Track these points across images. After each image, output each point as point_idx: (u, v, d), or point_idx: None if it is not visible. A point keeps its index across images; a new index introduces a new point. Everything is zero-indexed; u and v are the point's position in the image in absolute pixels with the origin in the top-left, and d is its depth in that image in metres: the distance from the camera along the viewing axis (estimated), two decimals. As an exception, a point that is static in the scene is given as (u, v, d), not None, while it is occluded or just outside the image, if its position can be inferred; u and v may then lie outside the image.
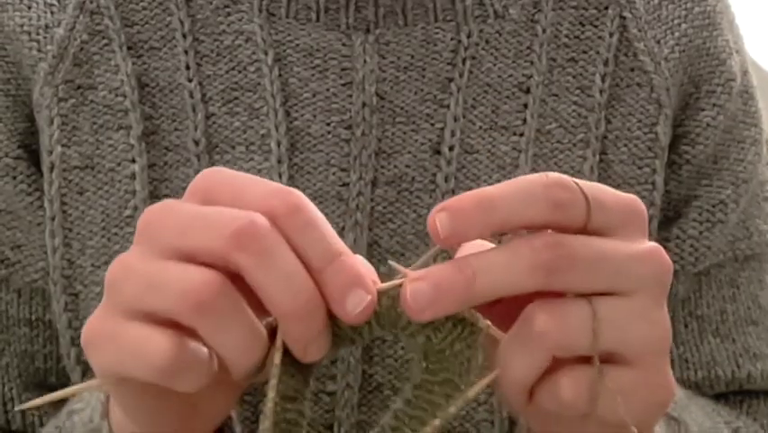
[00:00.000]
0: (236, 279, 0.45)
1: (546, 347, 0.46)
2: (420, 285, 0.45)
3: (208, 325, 0.44)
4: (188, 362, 0.45)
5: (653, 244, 0.48)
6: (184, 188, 0.67)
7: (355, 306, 0.45)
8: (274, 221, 0.45)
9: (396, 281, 0.46)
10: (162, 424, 0.49)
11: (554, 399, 0.46)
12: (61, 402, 0.68)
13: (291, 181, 0.67)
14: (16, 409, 0.69)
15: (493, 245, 0.47)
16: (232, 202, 0.46)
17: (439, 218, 0.45)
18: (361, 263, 0.47)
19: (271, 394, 0.46)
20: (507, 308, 0.48)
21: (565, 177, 0.46)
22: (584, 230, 0.47)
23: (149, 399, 0.48)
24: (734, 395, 0.73)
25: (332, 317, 0.46)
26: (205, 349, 0.45)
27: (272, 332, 0.46)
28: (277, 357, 0.46)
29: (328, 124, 0.68)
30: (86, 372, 0.68)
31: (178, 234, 0.46)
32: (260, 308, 0.46)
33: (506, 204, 0.45)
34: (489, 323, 0.47)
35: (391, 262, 0.48)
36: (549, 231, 0.46)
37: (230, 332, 0.45)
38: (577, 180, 0.47)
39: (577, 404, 0.46)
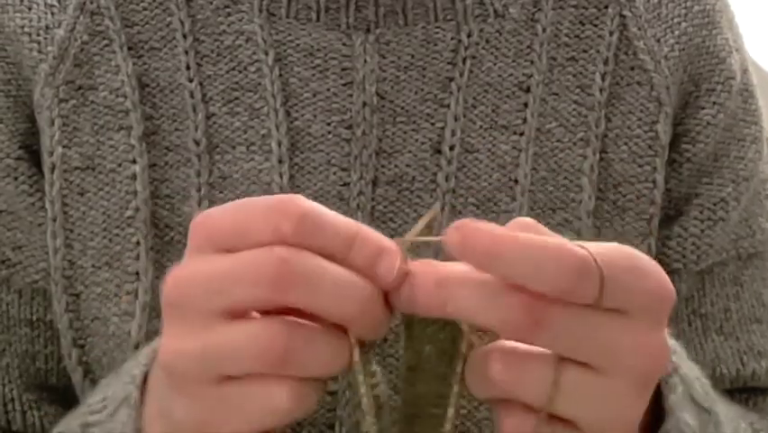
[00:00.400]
0: None
1: (496, 391, 0.46)
2: (405, 283, 0.46)
3: (295, 368, 0.45)
4: (308, 400, 0.46)
5: (661, 341, 0.47)
6: (185, 189, 0.68)
7: (388, 271, 0.46)
8: (289, 240, 0.45)
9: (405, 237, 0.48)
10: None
11: (498, 425, 0.47)
12: (65, 405, 0.68)
13: (292, 181, 0.67)
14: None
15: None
16: (239, 242, 0.46)
17: (451, 237, 0.45)
18: (376, 233, 0.47)
19: (362, 390, 0.47)
20: None
21: (589, 263, 0.44)
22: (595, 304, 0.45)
23: None
24: (738, 393, 0.73)
25: None
26: (315, 383, 0.47)
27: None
28: (355, 354, 0.47)
29: (329, 124, 0.68)
30: (87, 373, 0.68)
31: (214, 296, 0.46)
32: None
33: (510, 261, 0.44)
34: (474, 334, 0.48)
35: (395, 240, 0.48)
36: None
37: (315, 359, 0.46)
38: (602, 257, 0.44)
39: None
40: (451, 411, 0.47)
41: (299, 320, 0.46)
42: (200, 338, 0.46)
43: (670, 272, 0.71)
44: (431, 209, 0.50)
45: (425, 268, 0.46)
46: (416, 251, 0.48)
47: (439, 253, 0.52)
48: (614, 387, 0.46)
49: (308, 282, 0.45)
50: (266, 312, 0.46)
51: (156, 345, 0.53)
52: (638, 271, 0.46)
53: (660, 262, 0.71)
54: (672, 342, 0.56)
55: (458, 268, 0.46)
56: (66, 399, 0.70)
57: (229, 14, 0.69)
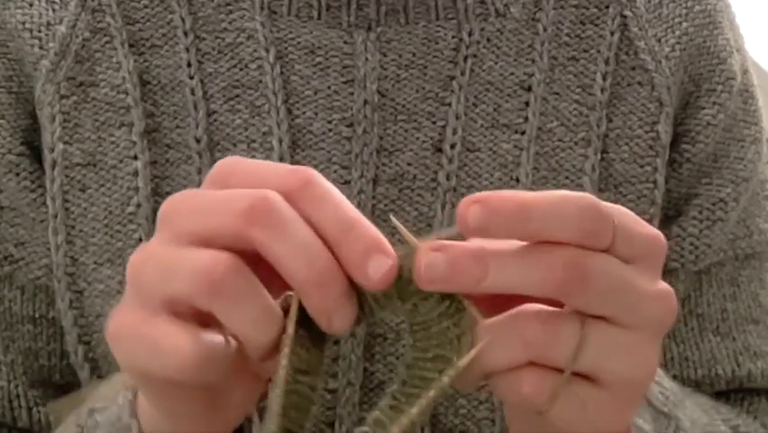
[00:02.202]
0: (253, 261, 0.45)
1: (528, 355, 0.46)
2: (437, 258, 0.45)
3: (221, 304, 0.45)
4: (208, 354, 0.45)
5: (667, 286, 0.48)
6: (185, 186, 0.68)
7: (377, 270, 0.45)
8: (288, 196, 0.45)
9: (409, 250, 0.46)
10: (190, 416, 0.49)
11: (513, 390, 0.46)
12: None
13: None
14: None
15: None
16: (246, 184, 0.46)
17: (472, 211, 0.45)
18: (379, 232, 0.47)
19: (283, 362, 0.45)
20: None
21: (600, 204, 0.46)
22: (608, 250, 0.46)
23: (172, 391, 0.48)
24: (734, 393, 0.74)
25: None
26: (220, 338, 0.46)
27: (288, 310, 0.46)
28: (290, 327, 0.46)
29: (330, 122, 0.68)
30: (95, 369, 0.69)
31: (195, 217, 0.46)
32: (276, 288, 0.46)
33: (539, 217, 0.45)
34: (471, 304, 0.47)
35: (392, 217, 0.48)
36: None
37: (243, 309, 0.45)
38: (610, 207, 0.46)
39: (535, 402, 0.46)
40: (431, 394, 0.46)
41: (248, 269, 0.45)
42: (167, 250, 0.46)
43: (668, 272, 0.72)
44: (451, 229, 0.49)
45: (453, 246, 0.46)
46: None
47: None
48: (636, 340, 0.47)
49: (276, 226, 0.44)
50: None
51: None
52: (635, 218, 0.48)
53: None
54: None
55: (483, 242, 0.46)
56: (75, 395, 0.70)
57: (230, 12, 0.69)
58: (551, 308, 0.46)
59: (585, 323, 0.46)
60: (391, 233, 0.50)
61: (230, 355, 0.46)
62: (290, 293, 0.47)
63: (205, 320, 0.46)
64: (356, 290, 0.46)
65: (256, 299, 0.45)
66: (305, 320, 0.46)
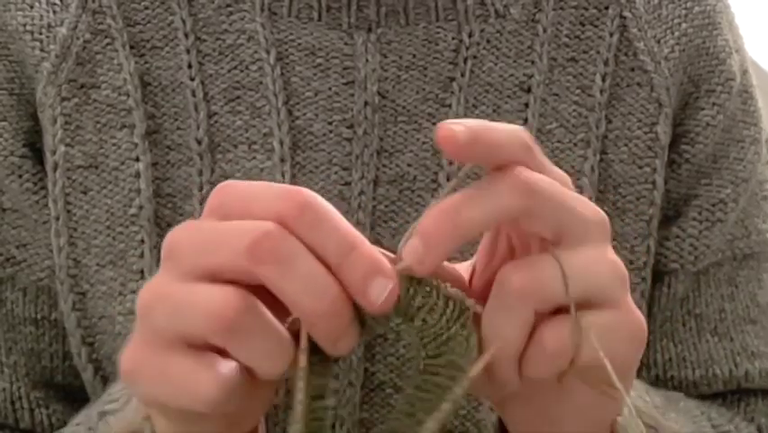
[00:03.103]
0: (260, 287, 0.46)
1: (527, 302, 0.47)
2: (411, 241, 0.46)
3: (236, 343, 0.45)
4: (230, 387, 0.46)
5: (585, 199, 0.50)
6: (186, 187, 0.68)
7: (379, 295, 0.46)
8: (286, 224, 0.45)
9: (402, 264, 0.47)
10: (204, 428, 0.50)
11: (541, 356, 0.47)
12: (73, 403, 0.69)
13: (293, 180, 0.67)
14: None
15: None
16: (243, 213, 0.46)
17: (409, 246, 0.46)
18: (377, 251, 0.47)
19: (299, 396, 0.46)
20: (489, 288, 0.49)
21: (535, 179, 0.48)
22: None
23: (193, 419, 0.48)
24: (731, 394, 0.74)
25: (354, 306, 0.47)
26: (237, 367, 0.46)
27: (296, 332, 0.47)
28: (302, 360, 0.46)
29: (330, 123, 0.68)
30: (98, 370, 0.69)
31: (199, 253, 0.46)
32: (281, 308, 0.46)
33: (471, 208, 0.46)
34: (473, 302, 0.48)
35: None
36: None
37: (258, 346, 0.46)
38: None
39: (562, 352, 0.47)
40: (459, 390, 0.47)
41: (260, 303, 0.46)
42: (176, 289, 0.46)
43: (667, 273, 0.72)
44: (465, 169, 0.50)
45: (419, 222, 0.47)
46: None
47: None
48: (595, 249, 0.48)
49: (282, 261, 0.45)
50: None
51: None
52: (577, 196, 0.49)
53: (657, 262, 0.72)
54: None
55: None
56: (73, 396, 0.70)
57: (231, 13, 0.69)
58: (524, 257, 0.48)
59: (556, 254, 0.47)
60: (392, 234, 0.50)
61: (246, 382, 0.47)
62: (296, 317, 0.47)
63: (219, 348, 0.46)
64: (356, 308, 0.47)
65: (269, 334, 0.46)
66: (313, 345, 0.47)
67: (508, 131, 0.48)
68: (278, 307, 0.46)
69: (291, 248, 0.45)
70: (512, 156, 0.47)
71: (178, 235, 0.47)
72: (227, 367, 0.46)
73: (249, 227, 0.45)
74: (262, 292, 0.46)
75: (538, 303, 0.47)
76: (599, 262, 0.48)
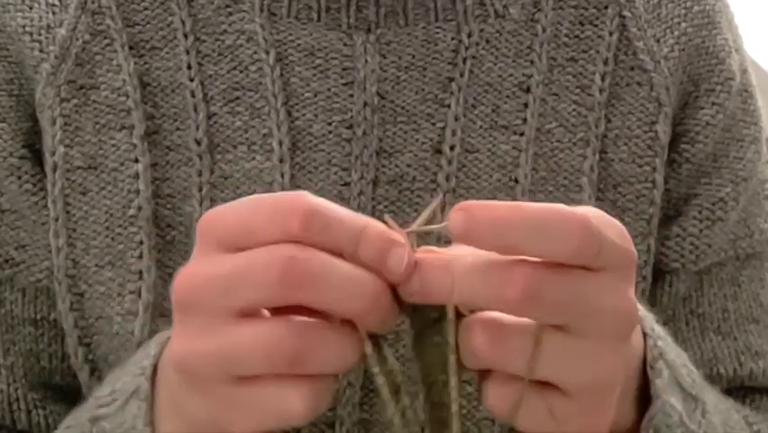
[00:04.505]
0: None
1: (479, 362, 0.47)
2: (413, 275, 0.47)
3: (306, 367, 0.46)
4: (318, 406, 0.47)
5: (632, 298, 0.48)
6: (186, 188, 0.68)
7: (398, 263, 0.47)
8: (293, 237, 0.46)
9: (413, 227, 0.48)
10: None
11: (483, 399, 0.48)
12: (70, 404, 0.68)
13: (293, 181, 0.67)
14: None
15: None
16: (246, 240, 0.46)
17: (455, 217, 0.46)
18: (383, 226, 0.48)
19: (380, 381, 0.48)
20: None
21: (592, 224, 0.46)
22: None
23: None
24: (736, 391, 0.74)
25: None
26: (321, 381, 0.47)
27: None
28: (368, 348, 0.48)
29: (329, 124, 0.68)
30: (94, 371, 0.69)
31: (223, 296, 0.46)
32: None
33: (517, 233, 0.46)
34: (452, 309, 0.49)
35: (387, 218, 0.49)
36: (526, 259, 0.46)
37: (326, 357, 0.46)
38: (599, 225, 0.46)
39: (497, 413, 0.48)
40: (453, 380, 0.48)
41: (308, 319, 0.46)
42: (211, 339, 0.46)
43: (668, 272, 0.72)
44: (435, 200, 0.50)
45: (431, 256, 0.47)
46: (423, 238, 0.49)
47: (441, 239, 0.52)
48: (593, 347, 0.47)
49: (316, 280, 0.45)
50: (277, 310, 0.47)
51: (164, 337, 0.54)
52: (621, 230, 0.48)
53: (659, 261, 0.72)
54: (659, 328, 0.57)
55: (461, 252, 0.47)
56: (70, 397, 0.70)
57: (230, 14, 0.69)
58: (503, 318, 0.47)
59: (539, 333, 0.46)
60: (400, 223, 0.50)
61: (333, 388, 0.48)
62: None
63: None
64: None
65: (332, 341, 0.47)
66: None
67: (540, 220, 0.46)
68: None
69: (318, 262, 0.46)
70: (542, 252, 0.46)
71: (190, 284, 0.47)
72: (311, 384, 0.46)
73: (268, 256, 0.45)
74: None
75: (492, 368, 0.47)
76: (584, 360, 0.47)
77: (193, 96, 0.69)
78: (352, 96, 0.68)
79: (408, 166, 0.68)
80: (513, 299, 0.45)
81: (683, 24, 0.72)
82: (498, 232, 0.45)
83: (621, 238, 0.48)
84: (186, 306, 0.47)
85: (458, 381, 0.48)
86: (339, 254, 0.46)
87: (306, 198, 0.46)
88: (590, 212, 0.47)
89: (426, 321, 0.49)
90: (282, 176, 0.67)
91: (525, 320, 0.47)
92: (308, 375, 0.46)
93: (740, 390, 0.74)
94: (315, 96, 0.68)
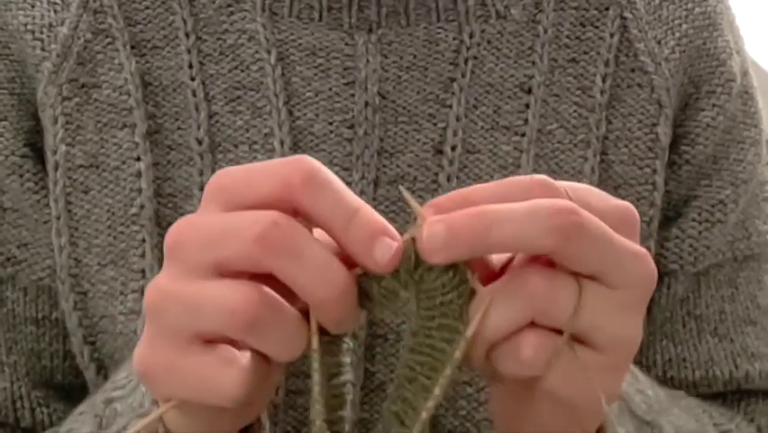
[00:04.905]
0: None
1: (531, 309, 0.46)
2: (437, 227, 0.46)
3: (256, 336, 0.46)
4: (251, 382, 0.46)
5: (644, 249, 0.49)
6: (187, 187, 0.68)
7: (384, 253, 0.46)
8: (292, 192, 0.46)
9: (411, 231, 0.47)
10: (219, 423, 0.50)
11: (513, 357, 0.47)
12: (74, 402, 0.69)
13: None
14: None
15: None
16: (248, 192, 0.46)
17: (432, 231, 0.46)
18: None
19: (316, 377, 0.47)
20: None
21: (550, 180, 0.47)
22: None
23: (210, 412, 0.49)
24: (731, 394, 0.74)
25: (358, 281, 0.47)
26: (254, 359, 0.47)
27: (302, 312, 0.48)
28: (314, 342, 0.47)
29: (331, 124, 0.68)
30: (100, 369, 0.69)
31: (204, 248, 0.46)
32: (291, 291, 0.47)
33: (504, 228, 0.45)
34: (474, 276, 0.48)
35: (402, 189, 0.49)
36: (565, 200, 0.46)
37: (277, 336, 0.46)
38: (562, 183, 0.47)
39: (533, 365, 0.47)
40: (445, 377, 0.47)
41: (275, 294, 0.46)
42: (185, 286, 0.46)
43: (666, 274, 0.72)
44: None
45: (452, 215, 0.46)
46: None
47: None
48: (624, 301, 0.47)
49: (292, 251, 0.45)
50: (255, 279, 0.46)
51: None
52: (596, 190, 0.49)
53: (657, 263, 0.72)
54: None
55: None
56: (73, 396, 0.70)
57: (231, 13, 0.69)
58: (551, 269, 0.47)
59: (582, 283, 0.47)
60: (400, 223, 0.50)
61: (262, 370, 0.47)
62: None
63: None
64: (362, 282, 0.47)
65: (287, 324, 0.46)
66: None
67: (526, 219, 0.46)
68: (285, 290, 0.46)
69: (300, 237, 0.45)
70: (529, 248, 0.46)
71: (181, 231, 0.47)
72: (246, 360, 0.46)
73: (255, 218, 0.46)
74: (269, 278, 0.46)
75: (538, 317, 0.47)
76: (618, 314, 0.47)
77: (194, 95, 0.69)
78: (353, 95, 0.68)
79: (409, 166, 0.68)
80: (563, 228, 0.45)
81: (684, 26, 0.72)
82: (482, 233, 0.45)
83: (605, 199, 0.48)
84: (173, 250, 0.47)
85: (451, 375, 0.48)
86: (329, 229, 0.46)
87: (314, 161, 0.46)
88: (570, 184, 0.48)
89: (434, 302, 0.48)
90: None
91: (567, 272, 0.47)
92: (251, 355, 0.46)
93: (736, 393, 0.74)
94: (317, 95, 0.68)
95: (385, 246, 0.46)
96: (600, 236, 0.46)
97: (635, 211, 0.49)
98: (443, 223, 0.46)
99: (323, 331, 0.48)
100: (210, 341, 0.46)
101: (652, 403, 0.60)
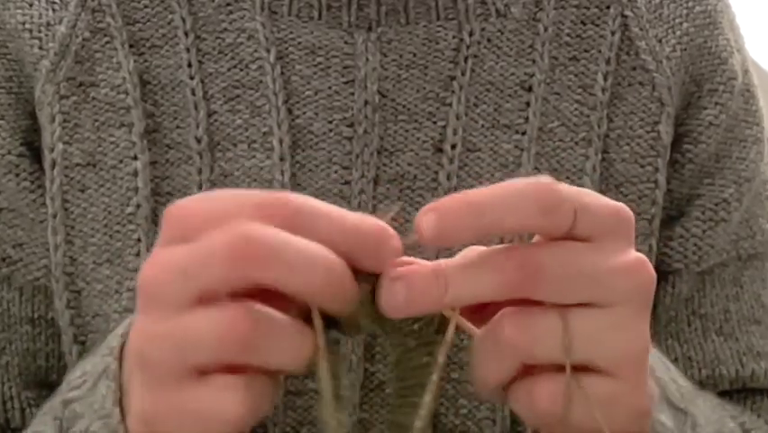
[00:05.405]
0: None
1: (514, 356, 0.46)
2: (395, 286, 0.46)
3: (255, 353, 0.45)
4: (256, 405, 0.45)
5: (638, 255, 0.48)
6: (186, 186, 0.68)
7: (393, 253, 0.46)
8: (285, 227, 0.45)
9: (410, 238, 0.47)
10: None
11: (529, 405, 0.47)
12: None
13: (293, 179, 0.67)
14: None
15: (473, 251, 0.47)
16: (212, 225, 0.45)
17: (425, 220, 0.46)
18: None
19: (325, 375, 0.46)
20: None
21: (557, 186, 0.46)
22: (568, 235, 0.47)
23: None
24: (737, 393, 0.74)
25: None
26: (259, 379, 0.46)
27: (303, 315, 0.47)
28: (321, 341, 0.46)
29: (330, 122, 0.68)
30: None
31: (181, 281, 0.45)
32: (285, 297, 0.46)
33: (491, 211, 0.46)
34: (458, 315, 0.48)
35: (380, 213, 0.49)
36: (519, 243, 0.46)
37: (276, 348, 0.45)
38: (567, 189, 0.47)
39: (551, 411, 0.46)
40: (428, 397, 0.47)
41: (265, 307, 0.45)
42: (168, 325, 0.45)
43: (671, 273, 0.72)
44: (389, 213, 0.49)
45: (410, 271, 0.46)
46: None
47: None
48: (619, 316, 0.47)
49: (268, 254, 0.44)
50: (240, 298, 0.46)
51: (133, 319, 0.53)
52: (596, 195, 0.48)
53: (661, 262, 0.72)
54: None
55: (439, 261, 0.47)
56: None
57: (230, 12, 0.69)
58: (526, 307, 0.46)
59: (564, 313, 0.46)
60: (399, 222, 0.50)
61: (268, 384, 0.46)
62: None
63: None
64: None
65: (284, 331, 0.45)
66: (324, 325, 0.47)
67: (506, 195, 0.46)
68: (278, 298, 0.46)
69: (270, 236, 0.44)
70: (517, 224, 0.46)
71: (151, 273, 0.46)
72: (244, 380, 0.45)
73: (222, 236, 0.44)
74: (261, 294, 0.45)
75: (528, 360, 0.46)
76: (616, 332, 0.47)
77: (193, 94, 0.69)
78: (352, 94, 0.68)
79: (409, 165, 0.68)
80: (516, 280, 0.45)
81: (685, 24, 0.72)
82: (471, 217, 0.45)
83: (600, 201, 0.48)
84: (148, 294, 0.46)
85: (433, 402, 0.47)
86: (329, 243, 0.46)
87: (288, 196, 0.46)
88: (553, 181, 0.47)
89: (408, 339, 0.48)
90: (282, 174, 0.67)
91: (548, 306, 0.46)
92: (249, 375, 0.45)
93: (741, 391, 0.74)
94: (316, 94, 0.68)
95: (391, 246, 0.46)
96: (567, 271, 0.46)
97: (629, 211, 0.49)
98: (401, 282, 0.46)
99: (326, 323, 0.47)
100: (208, 372, 0.45)
101: (684, 392, 0.60)
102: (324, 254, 0.45)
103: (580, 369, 0.47)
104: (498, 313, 0.47)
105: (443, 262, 0.47)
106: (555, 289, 0.46)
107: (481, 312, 0.49)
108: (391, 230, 0.46)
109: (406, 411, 0.48)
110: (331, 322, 0.47)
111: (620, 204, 0.48)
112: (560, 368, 0.46)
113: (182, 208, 0.47)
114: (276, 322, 0.45)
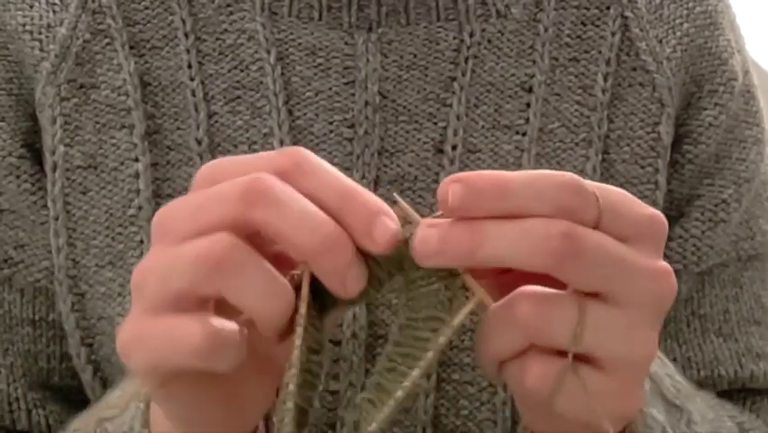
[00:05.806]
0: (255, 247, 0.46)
1: (524, 335, 0.46)
2: (430, 233, 0.46)
3: (227, 282, 0.45)
4: (220, 337, 0.45)
5: (665, 264, 0.48)
6: (186, 188, 0.68)
7: (383, 233, 0.46)
8: (282, 177, 0.45)
9: (411, 226, 0.47)
10: (208, 420, 0.49)
11: (518, 380, 0.47)
12: (70, 404, 0.68)
13: None
14: None
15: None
16: (243, 171, 0.46)
17: (452, 189, 0.45)
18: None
19: (297, 342, 0.46)
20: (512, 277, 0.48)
21: (582, 182, 0.46)
22: (596, 228, 0.46)
23: (192, 391, 0.48)
24: (736, 393, 0.74)
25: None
26: (230, 323, 0.45)
27: (297, 288, 0.46)
28: (302, 306, 0.46)
29: (331, 123, 0.68)
30: (97, 371, 0.69)
31: (190, 218, 0.46)
32: (282, 270, 0.46)
33: (517, 193, 0.45)
34: (466, 273, 0.47)
35: (396, 196, 0.48)
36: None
37: (250, 283, 0.45)
38: (594, 186, 0.46)
39: (538, 392, 0.46)
40: (416, 372, 0.46)
41: (246, 244, 0.45)
42: (162, 255, 0.46)
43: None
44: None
45: (446, 223, 0.46)
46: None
47: None
48: (634, 319, 0.46)
49: (276, 202, 0.44)
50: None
51: None
52: (629, 198, 0.48)
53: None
54: None
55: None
56: (71, 397, 0.70)
57: (231, 13, 0.69)
58: (548, 289, 0.46)
59: (583, 303, 0.46)
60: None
61: (242, 341, 0.46)
62: (297, 271, 0.47)
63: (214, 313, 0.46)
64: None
65: (261, 270, 0.45)
66: (313, 298, 0.47)
67: (534, 180, 0.46)
68: (277, 262, 0.46)
69: (283, 189, 0.45)
70: (540, 209, 0.45)
71: (167, 209, 0.47)
72: (217, 320, 0.45)
73: (238, 180, 0.45)
74: (259, 246, 0.45)
75: (537, 341, 0.46)
76: (626, 333, 0.47)
77: (194, 95, 0.69)
78: (353, 95, 0.68)
79: (410, 166, 0.68)
80: (556, 250, 0.44)
81: (685, 25, 0.72)
82: (497, 195, 0.45)
83: (634, 204, 0.48)
84: (160, 228, 0.47)
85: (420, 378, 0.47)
86: (326, 208, 0.46)
87: (305, 151, 0.46)
88: (600, 184, 0.47)
89: (419, 304, 0.47)
90: None
91: (568, 292, 0.46)
92: (220, 319, 0.45)
93: (741, 391, 0.74)
94: (317, 95, 0.68)
95: (384, 226, 0.46)
96: (602, 257, 0.45)
97: (665, 221, 0.48)
98: (436, 229, 0.45)
99: (314, 306, 0.47)
100: (189, 308, 0.45)
101: (680, 388, 0.60)
102: (328, 221, 0.45)
103: (580, 358, 0.47)
104: (517, 289, 0.47)
105: (478, 218, 0.46)
106: (587, 271, 0.45)
107: (496, 286, 0.48)
108: (390, 211, 0.46)
109: (391, 378, 0.47)
110: (326, 301, 0.47)
111: (656, 210, 0.48)
112: (559, 351, 0.46)
113: (215, 164, 0.48)
114: (253, 257, 0.45)
